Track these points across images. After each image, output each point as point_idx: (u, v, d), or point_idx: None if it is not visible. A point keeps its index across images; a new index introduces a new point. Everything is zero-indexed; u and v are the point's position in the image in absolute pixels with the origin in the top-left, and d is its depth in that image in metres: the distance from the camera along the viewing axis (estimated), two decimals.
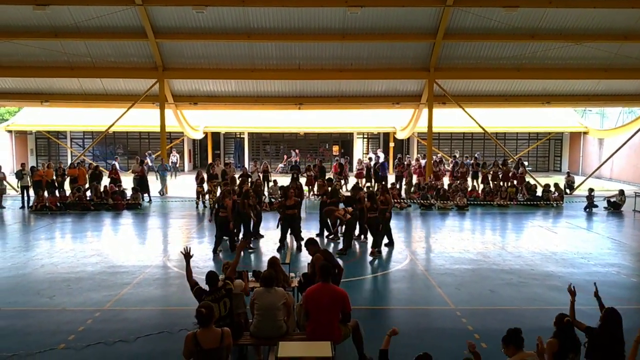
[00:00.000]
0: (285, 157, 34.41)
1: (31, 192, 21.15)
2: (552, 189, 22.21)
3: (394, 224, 15.10)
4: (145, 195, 22.40)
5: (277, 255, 11.73)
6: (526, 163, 25.71)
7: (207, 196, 20.94)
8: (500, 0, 20.17)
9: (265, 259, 12.03)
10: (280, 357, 5.97)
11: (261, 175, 23.07)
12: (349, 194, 16.11)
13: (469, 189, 23.23)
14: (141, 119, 30.22)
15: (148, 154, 31.44)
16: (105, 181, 22.84)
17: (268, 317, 6.84)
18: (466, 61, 23.82)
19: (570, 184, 25.08)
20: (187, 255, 7.35)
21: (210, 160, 31.32)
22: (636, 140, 27.23)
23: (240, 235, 14.07)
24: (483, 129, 25.50)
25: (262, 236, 15.19)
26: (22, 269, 12.00)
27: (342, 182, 23.75)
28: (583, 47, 22.72)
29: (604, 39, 22.30)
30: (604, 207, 20.53)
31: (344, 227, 14.08)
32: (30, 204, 20.78)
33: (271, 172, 25.41)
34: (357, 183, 22.49)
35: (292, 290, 8.50)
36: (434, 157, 26.18)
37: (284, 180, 22.37)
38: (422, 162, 25.82)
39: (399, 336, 8.21)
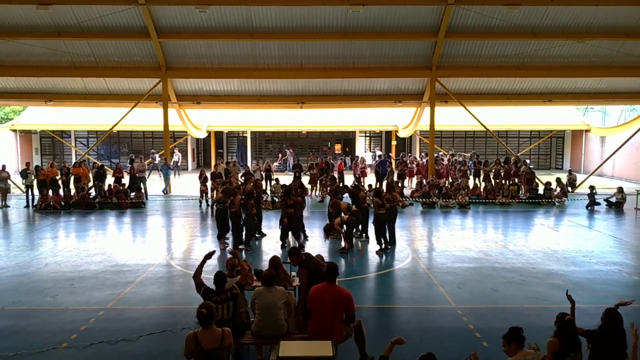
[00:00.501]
0: (280, 155, 34.41)
1: (35, 191, 21.23)
2: (554, 185, 22.16)
3: (396, 222, 15.11)
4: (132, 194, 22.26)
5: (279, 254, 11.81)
6: (528, 161, 25.65)
7: (209, 194, 20.97)
8: None
9: (267, 257, 12.10)
10: (282, 356, 6.01)
11: (263, 174, 23.12)
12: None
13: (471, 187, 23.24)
14: (145, 118, 30.29)
15: (151, 153, 31.50)
16: (110, 180, 22.88)
17: (269, 316, 6.88)
18: (468, 59, 23.83)
19: (572, 182, 25.05)
20: (208, 256, 7.53)
21: (213, 160, 31.46)
22: (638, 138, 27.15)
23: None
24: (485, 127, 25.48)
25: (264, 234, 15.25)
26: (26, 268, 12.07)
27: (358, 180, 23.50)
28: (585, 44, 22.69)
29: (605, 37, 22.28)
30: (606, 205, 20.50)
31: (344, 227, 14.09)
32: (35, 202, 20.87)
33: (273, 171, 25.44)
34: (359, 182, 22.58)
35: (293, 290, 8.54)
36: (436, 155, 26.17)
37: (285, 179, 22.40)
38: (423, 160, 25.85)
39: (400, 335, 8.24)
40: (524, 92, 26.06)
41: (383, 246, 13.43)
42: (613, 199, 20.52)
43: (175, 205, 21.62)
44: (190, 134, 31.31)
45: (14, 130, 32.70)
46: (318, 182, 23.09)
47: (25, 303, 9.76)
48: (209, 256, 7.54)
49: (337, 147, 37.94)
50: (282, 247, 13.85)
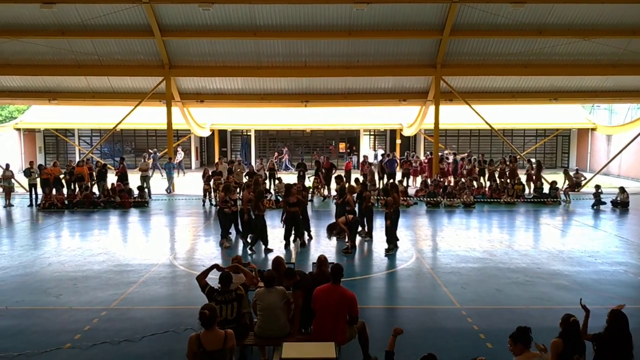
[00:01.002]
0: (276, 154, 34.34)
1: (39, 190, 21.26)
2: (562, 181, 21.92)
3: (400, 221, 15.05)
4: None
5: (283, 254, 11.79)
6: (533, 160, 25.52)
7: (212, 193, 20.96)
8: None
9: (270, 257, 12.07)
10: (285, 357, 5.97)
11: (267, 173, 23.09)
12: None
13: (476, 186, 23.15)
14: (148, 117, 30.30)
15: (153, 151, 31.49)
16: (112, 179, 22.89)
17: (271, 317, 6.85)
18: (473, 57, 23.71)
19: (577, 181, 24.92)
20: (216, 266, 7.58)
21: (217, 158, 31.40)
22: None
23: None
24: (490, 125, 25.38)
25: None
26: (29, 268, 12.07)
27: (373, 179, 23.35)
28: (591, 42, 22.55)
29: (612, 35, 22.13)
30: (612, 204, 20.38)
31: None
32: (38, 202, 20.90)
33: (277, 170, 25.41)
34: (364, 180, 22.48)
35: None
36: (440, 153, 26.08)
37: (287, 179, 22.38)
38: (425, 159, 25.76)
39: (404, 336, 8.21)
40: (530, 91, 25.93)
41: (391, 245, 13.39)
42: (618, 199, 20.40)
43: (179, 205, 21.61)
44: (193, 132, 31.31)
45: (18, 129, 32.79)
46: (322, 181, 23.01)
47: (28, 303, 9.75)
48: (218, 267, 7.54)
49: (342, 146, 37.88)
50: (286, 247, 13.82)
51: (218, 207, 14.58)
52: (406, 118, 31.35)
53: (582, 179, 25.06)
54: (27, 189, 21.64)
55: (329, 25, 21.84)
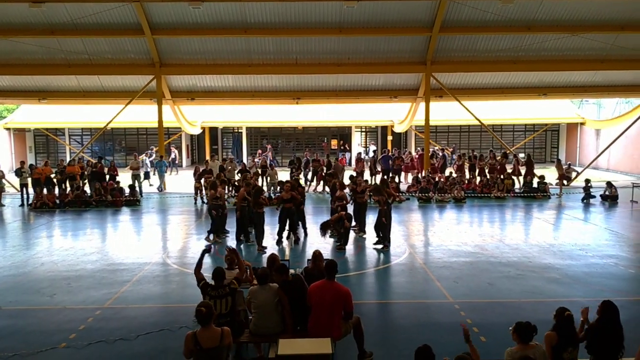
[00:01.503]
0: (259, 152, 34.26)
1: (30, 189, 21.15)
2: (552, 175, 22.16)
3: (393, 217, 15.10)
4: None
5: (276, 250, 11.83)
6: (522, 155, 25.71)
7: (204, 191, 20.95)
8: None
9: (265, 255, 12.12)
10: (281, 354, 6.02)
11: (260, 170, 23.10)
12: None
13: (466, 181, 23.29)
14: (139, 115, 30.17)
15: (150, 150, 31.31)
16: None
17: (265, 314, 6.90)
18: (462, 54, 23.82)
19: (568, 176, 25.14)
20: (206, 251, 7.63)
21: (208, 156, 31.40)
22: (633, 130, 27.27)
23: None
24: (480, 121, 25.53)
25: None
26: (22, 268, 12.04)
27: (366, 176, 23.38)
28: (579, 38, 22.72)
29: (600, 30, 22.31)
30: (601, 198, 20.57)
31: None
32: (30, 201, 20.80)
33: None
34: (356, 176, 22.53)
35: None
36: (431, 149, 26.21)
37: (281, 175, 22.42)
38: (415, 155, 25.84)
39: (397, 330, 8.34)
40: (519, 86, 26.08)
41: (380, 241, 13.46)
42: (606, 193, 20.60)
43: (170, 203, 21.58)
44: (184, 130, 31.23)
45: (8, 129, 32.52)
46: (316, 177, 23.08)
47: (22, 303, 9.74)
48: (207, 251, 7.56)
49: (334, 143, 37.94)
50: (278, 243, 13.89)
51: (208, 205, 14.65)
52: (397, 115, 31.44)
53: (573, 173, 25.30)
54: (18, 189, 21.52)
55: (319, 22, 21.86)
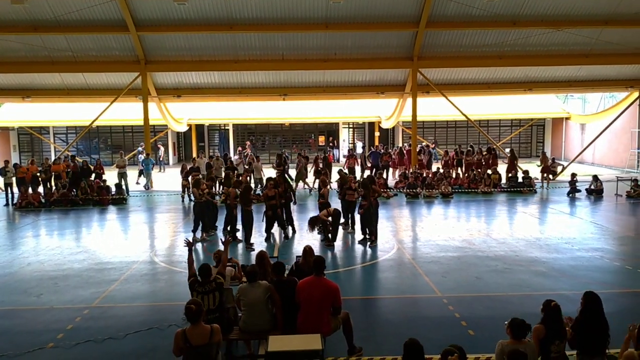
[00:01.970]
0: (239, 148, 34.14)
1: (15, 189, 20.91)
2: (537, 165, 22.36)
3: (381, 213, 15.15)
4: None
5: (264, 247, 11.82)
6: (507, 150, 25.90)
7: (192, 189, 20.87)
8: None
9: (253, 252, 12.10)
10: (270, 351, 6.02)
11: (247, 167, 23.02)
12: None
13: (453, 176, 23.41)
14: (124, 113, 29.95)
15: (140, 148, 31.00)
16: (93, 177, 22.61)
17: (255, 312, 6.89)
18: (449, 49, 23.91)
19: (553, 170, 25.36)
20: (190, 244, 7.49)
21: (194, 154, 31.24)
22: (617, 125, 27.60)
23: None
24: (466, 116, 25.65)
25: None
26: (8, 268, 11.91)
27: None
28: (564, 33, 22.91)
29: (584, 25, 22.50)
30: (586, 192, 20.77)
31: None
32: (15, 201, 20.57)
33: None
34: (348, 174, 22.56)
35: None
36: (419, 145, 26.31)
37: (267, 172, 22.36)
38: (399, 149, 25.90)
39: (386, 325, 8.37)
40: (505, 81, 26.25)
41: (368, 237, 13.52)
42: (592, 187, 20.81)
43: (158, 201, 21.46)
44: (170, 127, 31.06)
45: None
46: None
47: (9, 303, 9.64)
48: (190, 244, 7.51)
49: (321, 139, 37.93)
50: (267, 240, 13.88)
51: (194, 202, 14.64)
52: (384, 110, 31.51)
53: (559, 167, 25.53)
54: (3, 188, 21.27)
55: (305, 18, 21.81)
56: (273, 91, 26.10)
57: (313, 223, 13.83)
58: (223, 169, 21.90)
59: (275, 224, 14.38)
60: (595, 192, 20.59)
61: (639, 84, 26.33)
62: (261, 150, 36.51)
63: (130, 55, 23.58)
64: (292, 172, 24.19)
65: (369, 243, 13.40)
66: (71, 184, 21.16)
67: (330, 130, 37.62)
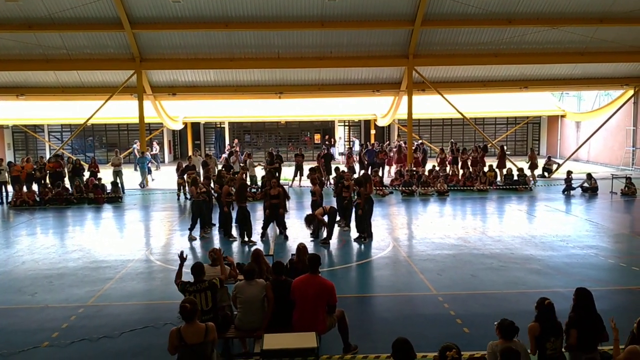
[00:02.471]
0: (228, 147, 34.09)
1: (9, 187, 20.83)
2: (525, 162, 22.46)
3: (377, 211, 15.18)
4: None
5: (261, 246, 11.81)
6: (505, 147, 25.96)
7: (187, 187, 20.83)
8: None
9: (249, 250, 12.09)
10: (266, 349, 6.02)
11: (242, 165, 22.97)
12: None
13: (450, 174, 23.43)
14: (120, 111, 29.87)
15: (136, 145, 30.89)
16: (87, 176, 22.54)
17: (251, 309, 6.88)
18: (444, 47, 23.93)
19: (548, 168, 25.47)
20: (182, 259, 7.36)
21: (190, 152, 31.17)
22: (612, 122, 27.69)
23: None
24: (462, 114, 25.69)
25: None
26: (2, 267, 11.86)
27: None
28: (559, 31, 22.94)
29: (580, 23, 22.55)
30: (581, 190, 20.83)
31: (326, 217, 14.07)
32: (9, 199, 20.48)
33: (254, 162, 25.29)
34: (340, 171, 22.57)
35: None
36: (415, 143, 26.32)
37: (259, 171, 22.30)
38: (397, 147, 25.92)
39: (382, 323, 8.38)
40: (500, 79, 26.29)
41: (364, 234, 13.53)
42: (586, 185, 20.87)
43: (153, 199, 21.42)
44: (166, 125, 30.97)
45: None
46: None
47: (3, 302, 9.60)
48: (181, 259, 7.37)
49: (317, 137, 37.93)
50: (262, 236, 13.89)
51: (192, 200, 14.58)
52: (380, 108, 31.51)
53: (555, 165, 25.60)
54: None
55: (301, 16, 21.78)
56: (269, 89, 26.08)
57: (309, 221, 13.83)
58: (220, 167, 21.89)
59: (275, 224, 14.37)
60: (590, 189, 20.65)
61: (634, 81, 26.44)
62: (256, 147, 36.51)
63: (125, 53, 23.51)
64: (290, 171, 24.25)
65: (362, 241, 13.43)
66: (52, 183, 21.01)
67: (326, 128, 37.61)
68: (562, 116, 33.77)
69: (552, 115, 34.63)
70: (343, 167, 19.91)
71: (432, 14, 21.99)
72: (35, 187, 21.23)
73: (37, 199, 20.24)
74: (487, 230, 14.68)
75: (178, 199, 20.77)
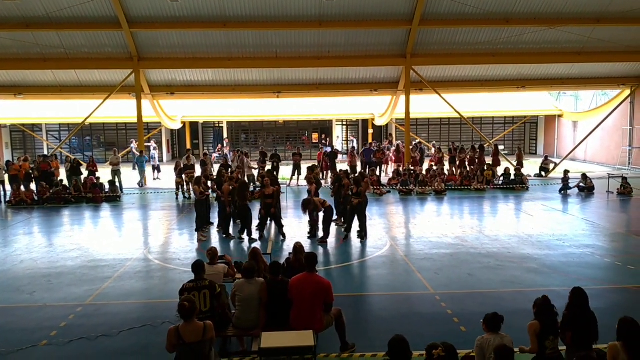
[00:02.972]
0: (219, 146, 34.10)
1: (7, 186, 20.82)
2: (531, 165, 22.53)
3: (374, 210, 15.23)
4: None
5: (259, 245, 11.85)
6: (502, 147, 26.04)
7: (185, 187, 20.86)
8: None
9: (247, 249, 12.13)
10: (263, 347, 6.05)
11: (239, 165, 22.98)
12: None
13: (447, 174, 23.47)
14: (118, 110, 29.86)
15: (134, 144, 30.89)
16: (85, 175, 22.53)
17: (250, 308, 6.92)
18: (442, 47, 23.98)
19: (545, 168, 25.52)
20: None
21: (191, 151, 31.10)
22: (609, 122, 27.77)
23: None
24: (459, 114, 25.75)
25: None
26: (0, 266, 11.86)
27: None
28: (556, 31, 23.01)
29: (577, 23, 22.62)
30: (578, 189, 20.89)
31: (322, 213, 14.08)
32: (7, 198, 20.48)
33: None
34: (338, 170, 22.61)
35: None
36: (414, 142, 26.40)
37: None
38: (397, 147, 25.97)
39: (379, 322, 8.42)
40: (498, 79, 26.37)
41: (353, 233, 13.56)
42: (581, 184, 20.93)
43: (151, 198, 21.43)
44: (164, 125, 30.98)
45: None
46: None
47: (1, 301, 9.61)
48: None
49: (315, 136, 37.97)
50: (260, 237, 13.90)
51: (195, 199, 14.55)
52: (378, 108, 31.57)
53: (552, 165, 25.65)
54: None
55: (299, 15, 21.82)
56: (267, 89, 26.12)
57: (305, 206, 13.81)
58: (219, 166, 21.88)
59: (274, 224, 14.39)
60: (587, 189, 20.71)
61: (631, 81, 26.55)
62: (254, 146, 36.52)
63: (123, 53, 23.52)
64: (287, 170, 24.28)
65: (359, 239, 13.49)
66: (37, 184, 20.87)
67: (324, 128, 37.65)
68: (560, 116, 33.85)
69: (549, 114, 34.72)
70: (346, 167, 20.00)
71: (430, 13, 22.04)
72: (33, 186, 21.19)
73: (36, 198, 20.24)
74: (485, 230, 14.73)
75: (176, 198, 20.77)
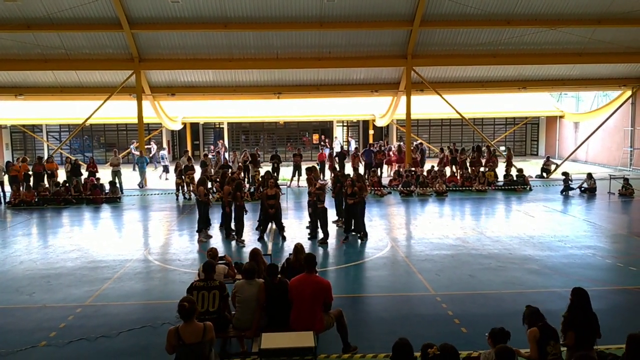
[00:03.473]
0: (212, 147, 34.06)
1: (7, 187, 20.80)
2: (533, 167, 22.48)
3: (375, 211, 15.20)
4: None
5: (258, 246, 11.82)
6: (502, 148, 26.00)
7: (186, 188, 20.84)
8: None
9: (247, 249, 12.08)
10: (263, 348, 6.02)
11: (241, 165, 22.98)
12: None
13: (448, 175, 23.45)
14: (118, 111, 29.87)
15: (133, 145, 30.89)
16: (86, 176, 22.53)
17: (249, 308, 6.89)
18: (443, 48, 23.96)
19: (546, 169, 25.48)
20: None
21: (189, 153, 31.10)
22: (610, 123, 27.74)
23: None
24: (460, 115, 25.71)
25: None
26: (0, 267, 11.84)
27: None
28: (557, 32, 22.99)
29: (577, 24, 22.59)
30: (580, 190, 20.86)
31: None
32: (7, 199, 20.46)
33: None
34: (340, 171, 22.59)
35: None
36: (413, 143, 26.36)
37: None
38: (400, 147, 25.97)
39: (380, 323, 8.38)
40: (499, 80, 26.33)
41: (361, 232, 13.57)
42: (585, 185, 20.90)
43: (152, 199, 21.40)
44: (165, 126, 30.98)
45: None
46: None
47: (1, 302, 9.57)
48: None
49: (315, 137, 37.96)
50: (260, 238, 13.87)
51: (199, 200, 14.50)
52: (378, 109, 31.54)
53: (553, 165, 25.61)
54: None
55: (300, 16, 21.80)
56: (267, 89, 26.10)
57: (310, 170, 13.89)
58: (218, 167, 21.89)
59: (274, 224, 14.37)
60: (588, 190, 20.68)
61: (632, 82, 26.51)
62: (254, 147, 36.46)
63: (124, 53, 23.50)
64: (288, 171, 24.27)
65: (359, 240, 13.46)
66: (34, 186, 20.80)
67: (325, 129, 37.65)
68: (561, 117, 33.83)
69: (550, 115, 34.70)
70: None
71: (431, 14, 22.02)
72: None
73: (36, 199, 20.21)
74: (486, 231, 14.69)
75: (177, 199, 20.75)
